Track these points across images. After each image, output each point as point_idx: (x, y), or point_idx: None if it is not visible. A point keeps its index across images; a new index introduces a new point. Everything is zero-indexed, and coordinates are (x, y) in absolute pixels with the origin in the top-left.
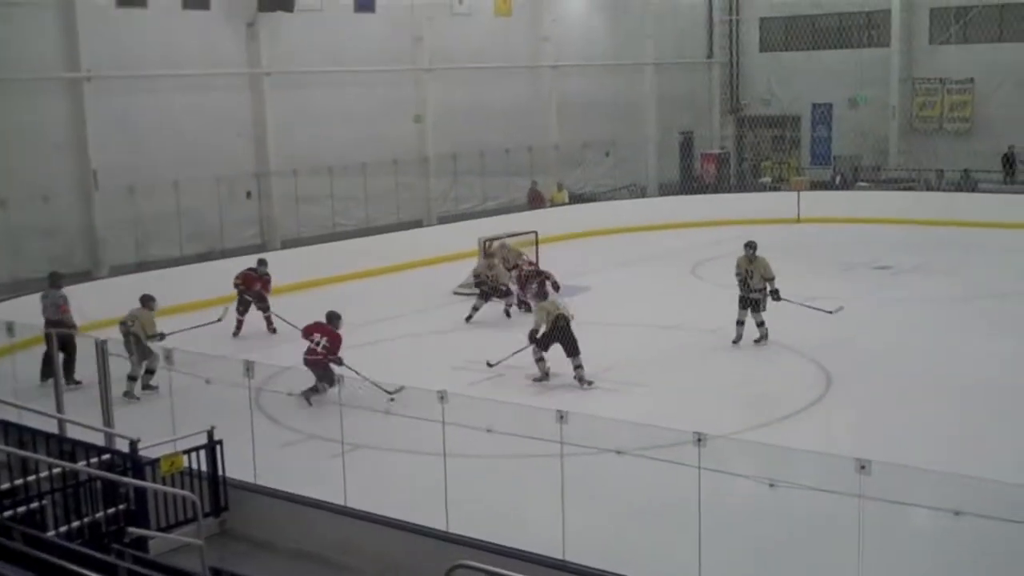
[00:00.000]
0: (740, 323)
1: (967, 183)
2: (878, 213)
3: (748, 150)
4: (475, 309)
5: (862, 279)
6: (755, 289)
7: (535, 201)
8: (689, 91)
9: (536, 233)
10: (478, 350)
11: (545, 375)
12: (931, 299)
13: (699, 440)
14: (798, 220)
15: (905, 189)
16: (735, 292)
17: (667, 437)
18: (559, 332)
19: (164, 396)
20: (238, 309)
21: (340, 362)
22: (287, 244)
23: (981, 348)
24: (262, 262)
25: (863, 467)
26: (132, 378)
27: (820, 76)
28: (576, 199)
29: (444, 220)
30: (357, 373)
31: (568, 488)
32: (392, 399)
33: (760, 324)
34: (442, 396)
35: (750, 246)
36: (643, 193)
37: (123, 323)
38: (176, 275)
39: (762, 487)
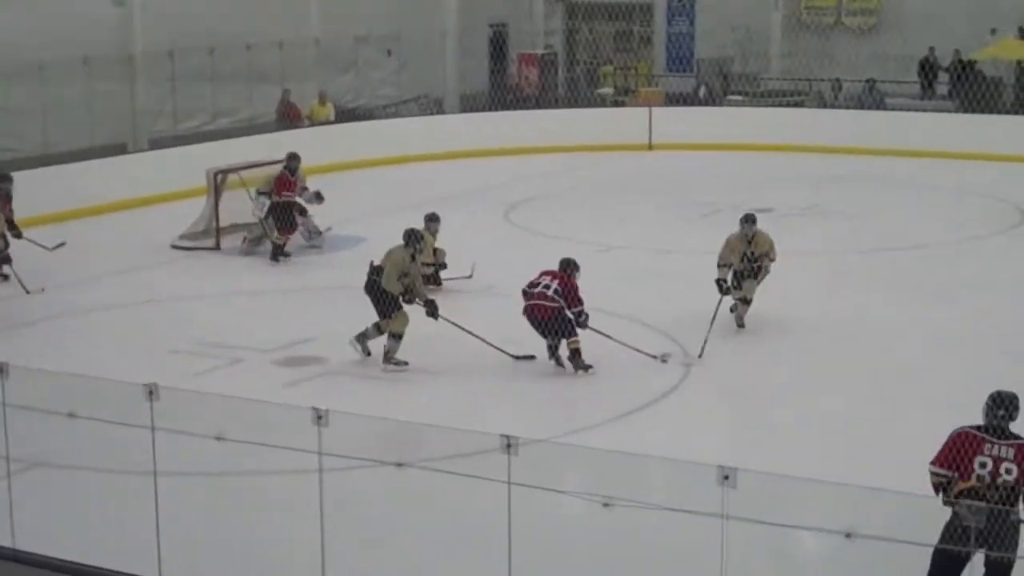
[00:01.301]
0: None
1: (873, 97)
2: (756, 137)
3: (582, 50)
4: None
5: (733, 226)
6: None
7: (288, 118)
8: None
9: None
10: (210, 325)
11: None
12: (825, 252)
13: (508, 446)
14: (649, 147)
15: (791, 105)
16: (561, 242)
17: (468, 443)
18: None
19: None
20: None
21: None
22: None
23: (889, 317)
24: (5, 177)
25: (727, 477)
26: None
27: None
28: (345, 115)
29: (158, 144)
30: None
31: (330, 515)
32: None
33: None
34: (151, 391)
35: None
36: (439, 108)
37: None
38: None
39: (594, 507)
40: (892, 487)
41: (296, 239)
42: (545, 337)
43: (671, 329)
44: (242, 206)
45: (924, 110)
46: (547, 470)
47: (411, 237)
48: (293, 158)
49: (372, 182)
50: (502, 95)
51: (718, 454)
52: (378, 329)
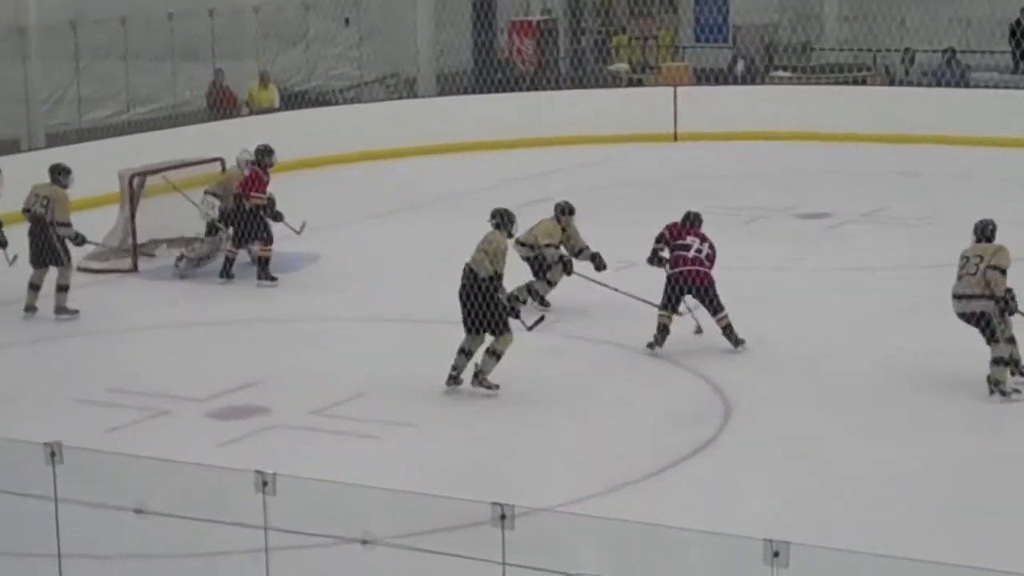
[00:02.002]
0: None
1: (953, 71)
2: (807, 123)
3: (590, 16)
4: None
5: (780, 236)
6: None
7: (221, 104)
8: None
9: (223, 161)
10: (127, 368)
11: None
12: (894, 269)
13: (503, 516)
14: (675, 137)
15: (852, 83)
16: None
17: (452, 513)
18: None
19: None
20: None
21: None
22: None
23: (976, 352)
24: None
25: (777, 553)
26: (35, 287)
27: None
28: (293, 100)
29: (58, 140)
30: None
31: None
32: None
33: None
34: (54, 452)
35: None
36: (411, 90)
37: (26, 208)
38: None
39: None
40: (991, 565)
41: (242, 255)
42: (694, 296)
43: (710, 368)
44: (169, 216)
45: (1017, 86)
46: (552, 546)
47: (503, 218)
48: (268, 152)
49: (327, 184)
50: (490, 74)
51: (766, 524)
52: (465, 355)
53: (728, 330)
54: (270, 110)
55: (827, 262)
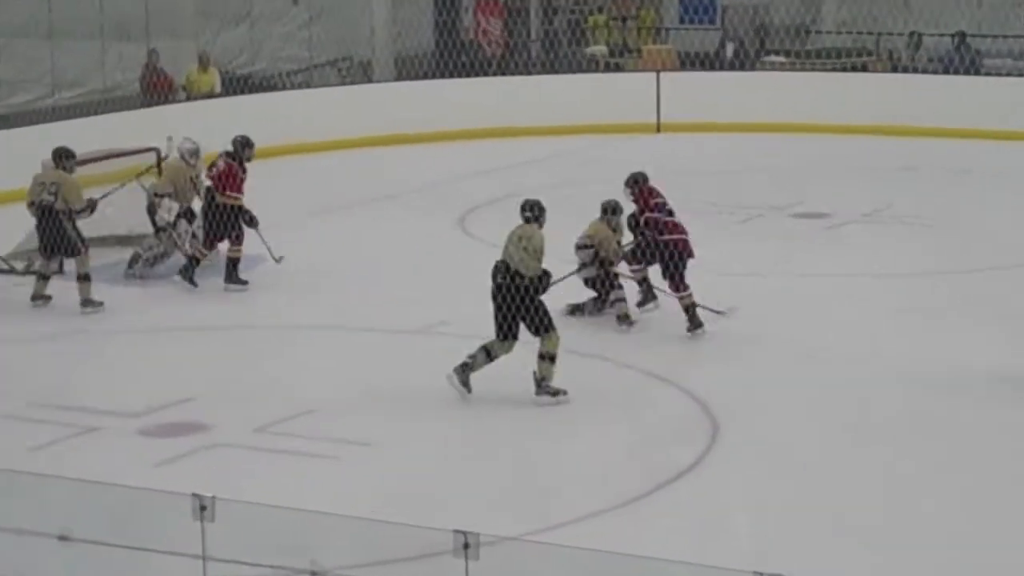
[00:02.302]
0: None
1: (963, 57)
2: (803, 114)
3: None
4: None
5: (775, 238)
6: None
7: (157, 88)
8: None
9: (158, 152)
10: (51, 381)
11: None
12: (899, 274)
13: (466, 546)
14: (658, 129)
15: (852, 69)
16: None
17: (411, 542)
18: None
19: None
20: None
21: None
22: None
23: (985, 363)
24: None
25: None
26: (44, 276)
27: None
28: (236, 85)
29: None
30: None
31: None
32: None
33: None
34: None
35: None
36: (366, 75)
37: (31, 201)
38: None
39: None
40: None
41: (178, 258)
42: (669, 264)
43: (701, 381)
44: (102, 211)
45: None
46: None
47: (537, 211)
48: (246, 145)
49: (276, 175)
50: (453, 57)
51: (756, 553)
52: (487, 355)
53: (691, 310)
54: (210, 95)
55: (826, 266)
